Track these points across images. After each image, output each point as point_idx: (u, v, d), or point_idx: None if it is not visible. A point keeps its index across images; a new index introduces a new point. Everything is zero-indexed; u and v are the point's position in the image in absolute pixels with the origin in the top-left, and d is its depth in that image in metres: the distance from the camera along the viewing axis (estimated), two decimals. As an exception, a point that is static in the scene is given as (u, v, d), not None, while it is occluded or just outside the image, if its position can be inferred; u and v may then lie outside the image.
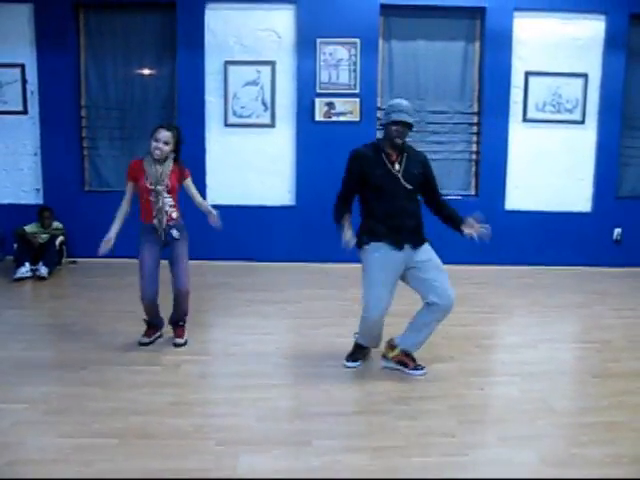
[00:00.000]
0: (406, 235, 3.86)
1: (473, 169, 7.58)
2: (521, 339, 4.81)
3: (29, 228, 6.88)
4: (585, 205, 7.58)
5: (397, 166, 3.88)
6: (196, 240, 4.52)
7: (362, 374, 4.00)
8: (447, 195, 7.30)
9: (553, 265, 7.39)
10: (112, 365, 4.04)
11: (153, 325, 4.57)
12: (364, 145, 3.99)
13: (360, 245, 3.92)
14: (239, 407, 3.48)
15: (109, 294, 5.93)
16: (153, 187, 4.23)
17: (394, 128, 3.83)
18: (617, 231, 7.53)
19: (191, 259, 4.48)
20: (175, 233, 4.33)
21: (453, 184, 7.54)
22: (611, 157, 7.45)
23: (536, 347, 4.59)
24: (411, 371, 4.02)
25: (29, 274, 6.45)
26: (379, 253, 3.85)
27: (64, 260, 7.09)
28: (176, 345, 4.48)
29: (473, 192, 7.58)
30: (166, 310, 4.57)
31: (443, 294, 3.83)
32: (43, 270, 6.44)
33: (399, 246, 3.84)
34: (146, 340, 4.49)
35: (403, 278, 3.96)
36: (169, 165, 4.30)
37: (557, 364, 4.30)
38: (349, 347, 4.19)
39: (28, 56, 7.26)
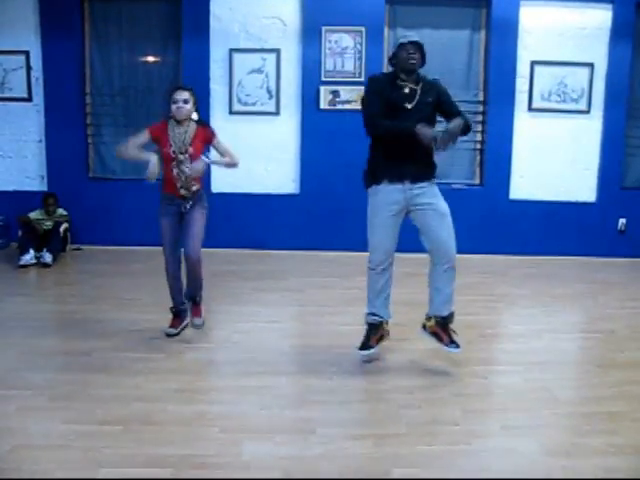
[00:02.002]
0: (408, 169, 3.74)
1: (478, 158, 7.55)
2: (525, 329, 4.81)
3: (33, 215, 6.89)
4: (590, 195, 7.55)
5: (411, 93, 3.75)
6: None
7: (366, 363, 3.99)
8: (451, 184, 7.31)
9: (557, 255, 7.37)
10: (116, 352, 4.05)
11: (179, 314, 4.47)
12: (380, 73, 3.88)
13: (365, 186, 3.88)
14: (243, 394, 3.48)
15: (113, 281, 5.94)
16: (175, 155, 4.11)
17: (405, 51, 3.70)
18: (622, 221, 7.51)
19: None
20: (188, 206, 4.24)
21: (457, 173, 7.50)
22: (616, 147, 7.42)
23: (540, 337, 4.58)
24: (444, 346, 3.89)
25: (33, 261, 6.44)
26: (378, 196, 3.78)
27: (68, 247, 7.09)
28: (195, 326, 4.41)
29: (478, 181, 7.55)
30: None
31: (440, 244, 3.77)
32: (47, 257, 6.44)
33: (399, 180, 3.74)
34: (172, 331, 4.39)
35: (411, 218, 3.86)
36: (193, 127, 4.20)
37: (561, 354, 4.31)
38: (354, 335, 4.15)
39: (33, 43, 7.23)
